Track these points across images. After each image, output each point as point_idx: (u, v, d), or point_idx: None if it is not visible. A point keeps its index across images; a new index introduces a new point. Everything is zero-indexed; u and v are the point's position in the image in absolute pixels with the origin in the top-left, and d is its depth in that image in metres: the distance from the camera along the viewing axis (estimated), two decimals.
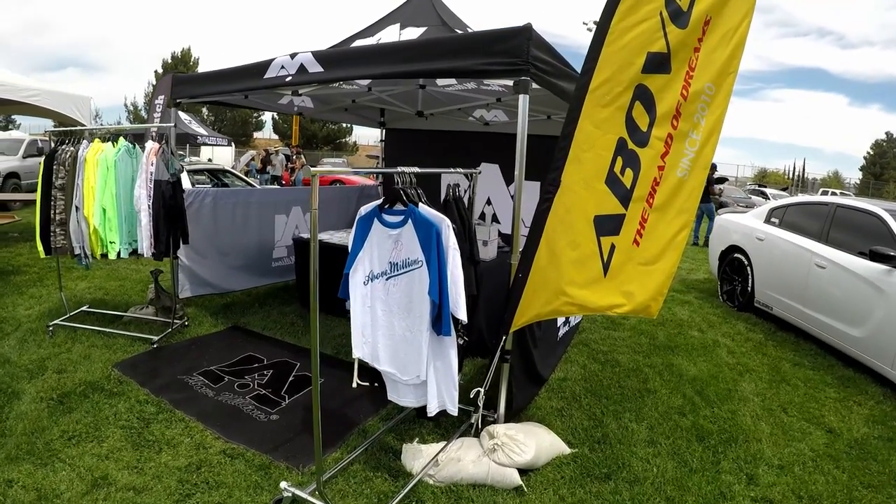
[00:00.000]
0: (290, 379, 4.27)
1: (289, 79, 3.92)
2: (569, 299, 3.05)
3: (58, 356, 4.40)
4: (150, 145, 4.47)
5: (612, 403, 4.14)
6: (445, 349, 2.88)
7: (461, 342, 3.02)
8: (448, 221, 2.80)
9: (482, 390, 3.15)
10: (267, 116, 43.84)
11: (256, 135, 46.17)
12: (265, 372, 4.38)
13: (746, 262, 7.01)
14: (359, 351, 3.02)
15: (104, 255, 4.62)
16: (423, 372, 2.87)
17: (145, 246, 4.47)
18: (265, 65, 4.08)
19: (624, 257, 3.11)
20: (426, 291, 2.74)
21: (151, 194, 4.46)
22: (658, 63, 2.86)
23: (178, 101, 5.03)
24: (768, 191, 28.67)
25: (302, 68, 3.83)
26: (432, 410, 2.92)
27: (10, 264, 7.42)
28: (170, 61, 39.49)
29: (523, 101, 3.12)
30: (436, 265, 2.70)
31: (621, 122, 2.90)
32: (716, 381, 4.69)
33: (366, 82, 5.07)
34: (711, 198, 13.10)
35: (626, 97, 2.86)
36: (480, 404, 3.21)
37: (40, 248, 4.73)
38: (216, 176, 10.95)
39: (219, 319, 5.59)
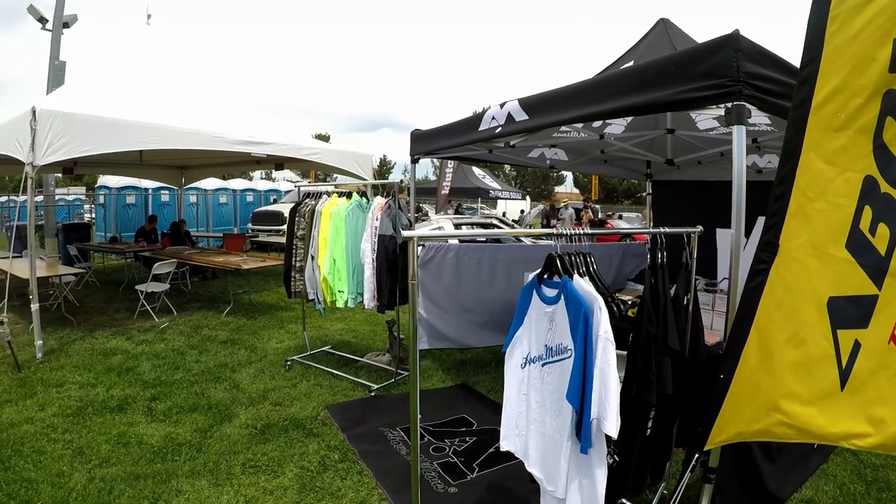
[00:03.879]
0: (490, 450, 4.29)
1: (498, 130, 4.11)
2: (784, 418, 2.42)
3: (281, 389, 5.27)
4: (377, 201, 5.12)
5: None
6: (590, 466, 2.48)
7: (611, 461, 2.56)
8: (602, 302, 2.39)
9: None
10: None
11: (557, 189, 48.80)
12: (468, 438, 4.51)
13: None
14: (510, 444, 2.80)
15: (334, 303, 5.38)
16: (562, 488, 2.55)
17: (367, 297, 5.11)
18: (479, 117, 4.37)
19: (874, 362, 2.28)
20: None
21: (376, 248, 5.06)
22: None
23: (415, 156, 5.66)
24: None
25: (510, 118, 3.99)
26: None
27: (283, 301, 9.13)
28: None
29: (738, 134, 2.65)
30: (581, 360, 2.35)
31: (867, 151, 2.18)
32: None
33: (609, 130, 5.05)
34: None
35: (870, 113, 2.15)
36: None
37: (285, 290, 5.75)
38: (486, 228, 11.80)
39: (450, 375, 6.01)
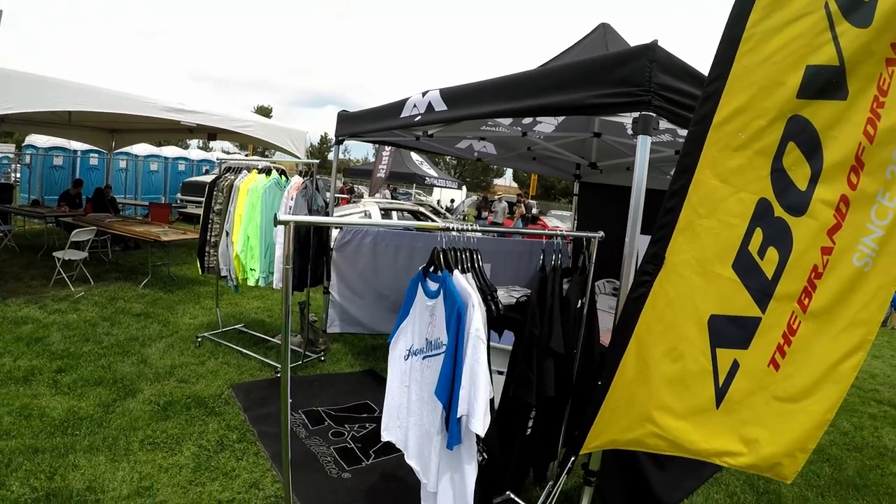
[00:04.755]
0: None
1: (418, 118, 4.07)
2: (657, 430, 2.42)
3: (189, 366, 5.13)
4: (294, 180, 5.02)
5: None
6: (460, 462, 2.46)
7: (480, 459, 2.53)
8: (476, 300, 2.36)
9: None
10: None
11: (497, 181, 49.00)
12: (368, 424, 4.50)
13: None
14: (391, 435, 2.79)
15: (245, 281, 5.26)
16: (433, 482, 2.54)
17: (276, 277, 5.00)
18: (402, 103, 4.31)
19: (751, 384, 2.29)
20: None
21: None
22: (825, 82, 2.05)
23: (339, 137, 5.58)
24: None
25: (430, 107, 3.95)
26: None
27: (202, 275, 8.87)
28: None
29: (642, 143, 2.62)
30: (451, 356, 2.33)
31: (765, 174, 2.16)
32: None
33: (540, 129, 5.07)
34: None
35: (772, 136, 2.13)
36: None
37: (198, 266, 5.57)
38: (416, 216, 11.78)
39: (359, 360, 5.96)
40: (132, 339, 5.74)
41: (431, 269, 2.57)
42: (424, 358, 2.57)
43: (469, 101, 3.64)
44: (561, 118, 5.12)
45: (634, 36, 4.95)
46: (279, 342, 5.95)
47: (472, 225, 2.71)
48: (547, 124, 5.33)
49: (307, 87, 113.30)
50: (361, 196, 17.28)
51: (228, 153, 24.65)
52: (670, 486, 3.59)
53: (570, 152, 6.00)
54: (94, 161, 16.29)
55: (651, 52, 2.53)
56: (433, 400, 2.45)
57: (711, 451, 2.38)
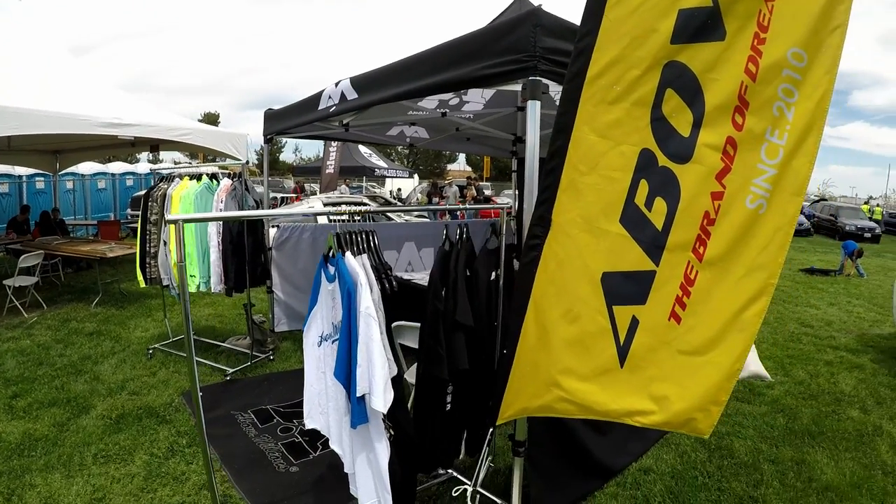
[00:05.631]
0: None
1: (332, 108, 4.02)
2: (564, 394, 2.31)
3: (140, 378, 5.13)
4: (224, 183, 5.01)
5: None
6: (370, 441, 2.48)
7: (388, 436, 2.55)
8: (364, 279, 2.38)
9: (469, 489, 2.77)
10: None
11: (450, 166, 48.83)
12: None
13: None
14: (314, 422, 2.78)
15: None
16: (349, 463, 2.57)
17: (213, 281, 5.01)
18: (318, 96, 4.26)
19: (654, 339, 2.18)
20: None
21: (221, 231, 4.97)
22: (699, 24, 1.94)
23: (268, 135, 5.54)
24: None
25: (343, 96, 3.89)
26: None
27: (153, 288, 8.80)
28: None
29: (532, 109, 2.53)
30: (346, 336, 2.36)
31: (644, 124, 2.06)
32: (858, 494, 3.65)
33: (468, 108, 5.05)
34: None
35: (648, 85, 2.03)
36: None
37: (140, 278, 5.54)
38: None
39: None
40: (85, 358, 5.70)
41: (332, 254, 2.56)
42: (333, 342, 2.57)
43: (377, 87, 3.57)
44: (490, 95, 5.10)
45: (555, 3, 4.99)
46: (229, 346, 5.97)
47: (377, 206, 2.74)
48: (475, 103, 5.29)
49: (255, 87, 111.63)
50: (314, 194, 17.13)
51: (178, 163, 24.20)
52: (614, 451, 3.59)
53: (499, 129, 6.01)
54: (40, 185, 15.92)
55: (535, 17, 2.48)
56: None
57: (622, 411, 2.28)
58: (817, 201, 32.43)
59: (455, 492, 2.85)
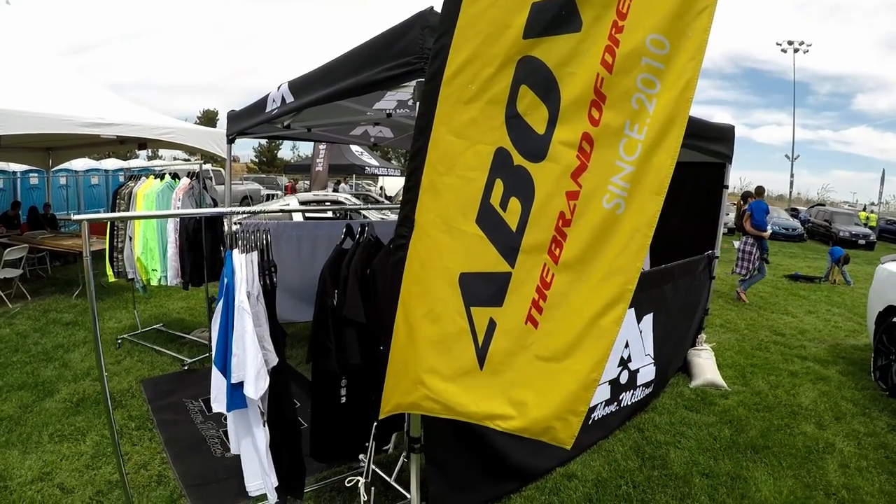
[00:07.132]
0: None
1: (275, 111, 4.14)
2: (429, 393, 2.27)
3: (105, 366, 5.29)
4: (182, 182, 5.23)
5: None
6: (250, 426, 2.67)
7: (262, 421, 2.73)
8: (242, 274, 2.55)
9: (362, 481, 2.80)
10: None
11: None
12: None
13: None
14: (219, 405, 2.86)
15: (149, 282, 5.47)
16: (235, 445, 2.74)
17: (171, 275, 5.26)
18: (265, 99, 4.38)
19: (511, 343, 2.10)
20: None
21: (178, 228, 5.20)
22: (553, 17, 1.85)
23: (230, 136, 5.71)
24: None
25: (283, 99, 3.99)
26: (252, 491, 2.80)
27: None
28: None
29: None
30: (224, 327, 2.54)
31: (499, 123, 1.99)
32: None
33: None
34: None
35: (502, 83, 1.96)
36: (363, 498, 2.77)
37: (109, 271, 5.77)
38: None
39: None
40: (58, 347, 5.96)
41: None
42: None
43: (307, 90, 3.64)
44: None
45: None
46: (193, 338, 6.20)
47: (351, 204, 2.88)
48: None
49: (252, 87, 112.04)
50: (307, 191, 17.31)
51: (176, 159, 24.46)
52: (534, 454, 3.51)
53: None
54: (34, 181, 16.15)
55: (423, 20, 2.48)
56: None
57: (482, 414, 2.20)
58: (813, 206, 31.88)
59: (349, 482, 2.91)
